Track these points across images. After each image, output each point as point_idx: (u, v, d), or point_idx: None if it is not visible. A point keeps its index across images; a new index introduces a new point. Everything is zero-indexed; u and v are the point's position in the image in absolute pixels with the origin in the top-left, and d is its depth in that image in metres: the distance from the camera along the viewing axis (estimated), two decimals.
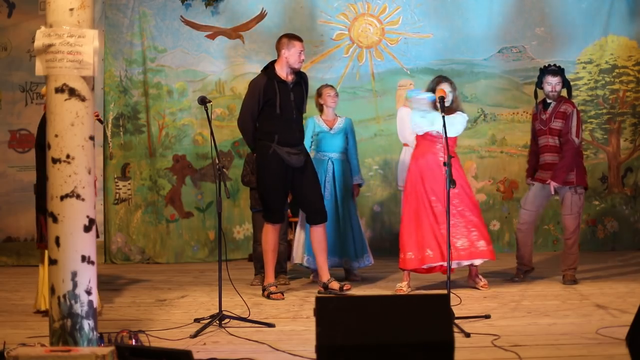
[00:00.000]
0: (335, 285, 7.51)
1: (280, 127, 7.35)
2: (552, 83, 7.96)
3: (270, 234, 7.51)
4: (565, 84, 8.07)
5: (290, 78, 7.43)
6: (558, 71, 8.02)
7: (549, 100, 8.03)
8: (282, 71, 7.41)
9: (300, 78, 7.52)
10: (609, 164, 10.63)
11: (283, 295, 7.44)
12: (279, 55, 7.45)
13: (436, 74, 9.46)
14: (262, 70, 7.56)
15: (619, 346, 5.15)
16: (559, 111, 7.97)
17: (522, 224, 8.17)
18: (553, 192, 7.95)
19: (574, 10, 10.55)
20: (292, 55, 7.36)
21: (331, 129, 8.29)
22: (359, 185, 8.56)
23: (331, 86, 8.48)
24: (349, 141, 8.39)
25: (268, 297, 7.37)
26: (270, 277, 7.54)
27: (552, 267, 8.66)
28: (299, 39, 7.46)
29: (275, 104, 7.32)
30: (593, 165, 10.59)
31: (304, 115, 7.68)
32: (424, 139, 7.61)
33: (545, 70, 8.04)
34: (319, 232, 7.58)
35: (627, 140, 10.64)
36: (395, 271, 8.45)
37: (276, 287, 7.56)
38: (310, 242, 7.80)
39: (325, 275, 7.59)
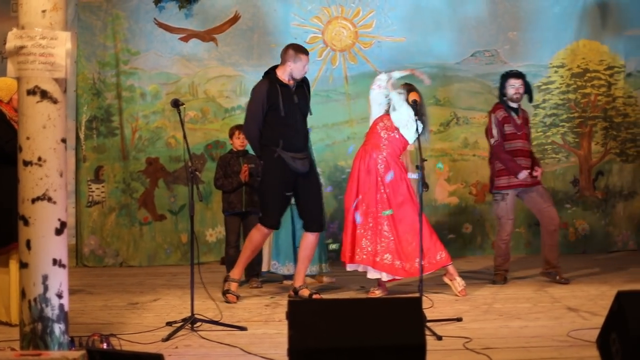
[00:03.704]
0: (305, 292, 7.46)
1: (285, 132, 7.28)
2: (515, 85, 8.12)
3: (259, 235, 7.44)
4: (527, 88, 8.19)
5: (292, 82, 7.37)
6: (520, 74, 8.18)
7: (514, 104, 8.14)
8: (284, 76, 7.35)
9: (302, 81, 7.46)
10: (581, 167, 10.69)
11: (237, 299, 7.41)
12: (283, 63, 7.36)
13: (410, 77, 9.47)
14: (263, 75, 7.48)
15: (590, 348, 5.18)
16: (525, 117, 8.26)
17: (508, 235, 8.23)
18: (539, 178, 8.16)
19: (547, 15, 10.61)
20: (297, 67, 7.31)
21: None
22: None
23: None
24: None
25: (224, 293, 7.36)
26: (238, 272, 7.50)
27: (523, 270, 8.71)
28: (306, 53, 7.42)
29: (279, 108, 7.26)
30: (564, 169, 10.66)
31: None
32: (372, 136, 7.56)
33: (508, 74, 8.19)
34: (310, 239, 7.51)
35: (599, 144, 10.71)
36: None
37: (238, 286, 7.53)
38: (299, 245, 7.75)
39: (299, 281, 7.53)
